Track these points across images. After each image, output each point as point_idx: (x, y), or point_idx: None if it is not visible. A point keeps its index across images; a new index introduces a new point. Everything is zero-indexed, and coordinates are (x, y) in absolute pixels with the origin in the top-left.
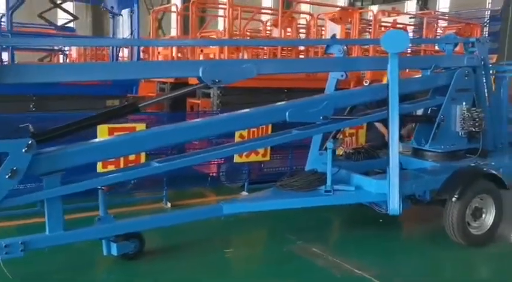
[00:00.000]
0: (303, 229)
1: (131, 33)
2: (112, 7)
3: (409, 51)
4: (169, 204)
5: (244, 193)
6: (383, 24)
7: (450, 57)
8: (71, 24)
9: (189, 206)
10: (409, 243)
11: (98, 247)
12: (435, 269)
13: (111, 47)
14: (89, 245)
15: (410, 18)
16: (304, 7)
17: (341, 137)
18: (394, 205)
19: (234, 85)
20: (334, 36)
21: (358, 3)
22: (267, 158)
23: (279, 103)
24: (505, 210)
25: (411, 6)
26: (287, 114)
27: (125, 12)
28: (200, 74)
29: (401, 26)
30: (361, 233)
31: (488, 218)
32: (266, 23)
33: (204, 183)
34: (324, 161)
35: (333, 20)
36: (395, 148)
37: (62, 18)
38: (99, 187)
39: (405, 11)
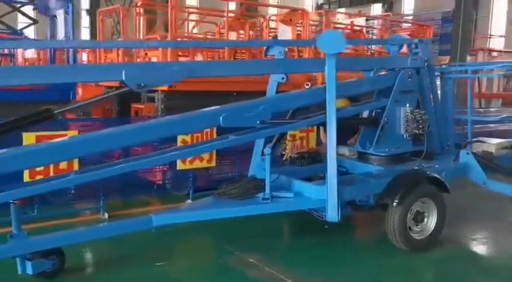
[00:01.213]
0: (242, 238)
1: (66, 35)
2: (46, 8)
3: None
4: (106, 215)
5: (189, 201)
6: (339, 26)
7: (393, 58)
8: (31, 28)
9: (129, 216)
10: (352, 251)
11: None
12: (376, 277)
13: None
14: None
15: (366, 20)
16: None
17: (288, 140)
18: (333, 212)
19: (181, 88)
20: (275, 37)
21: (326, 6)
22: (213, 164)
23: (213, 107)
24: (450, 213)
25: (377, 9)
26: (221, 119)
27: (61, 13)
28: (123, 78)
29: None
30: (304, 241)
31: (431, 222)
32: (220, 25)
33: (150, 191)
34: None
35: (283, 21)
36: (333, 153)
37: (22, 22)
38: (11, 201)
39: (371, 14)
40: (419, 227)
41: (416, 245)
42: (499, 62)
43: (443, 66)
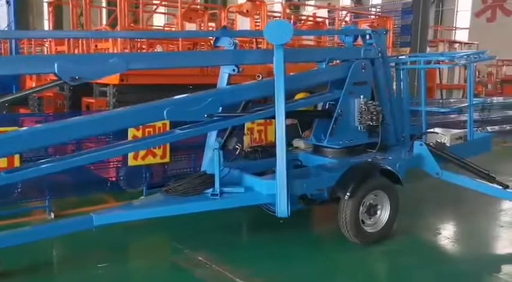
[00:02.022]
0: (193, 236)
1: (8, 25)
2: None
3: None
4: (52, 215)
5: (142, 198)
6: (302, 17)
7: (346, 49)
8: None
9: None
10: (305, 246)
11: None
12: (327, 273)
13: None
14: None
15: (328, 12)
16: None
17: (246, 134)
18: (283, 207)
19: (133, 82)
20: (224, 27)
21: None
22: (167, 159)
23: (157, 101)
24: (405, 204)
25: (346, 1)
26: (165, 113)
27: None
28: (56, 70)
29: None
30: (257, 237)
31: (384, 214)
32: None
33: (103, 188)
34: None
35: (240, 13)
36: (282, 146)
37: None
38: None
39: (340, 6)
40: (372, 220)
41: (369, 238)
42: (449, 52)
43: (397, 57)
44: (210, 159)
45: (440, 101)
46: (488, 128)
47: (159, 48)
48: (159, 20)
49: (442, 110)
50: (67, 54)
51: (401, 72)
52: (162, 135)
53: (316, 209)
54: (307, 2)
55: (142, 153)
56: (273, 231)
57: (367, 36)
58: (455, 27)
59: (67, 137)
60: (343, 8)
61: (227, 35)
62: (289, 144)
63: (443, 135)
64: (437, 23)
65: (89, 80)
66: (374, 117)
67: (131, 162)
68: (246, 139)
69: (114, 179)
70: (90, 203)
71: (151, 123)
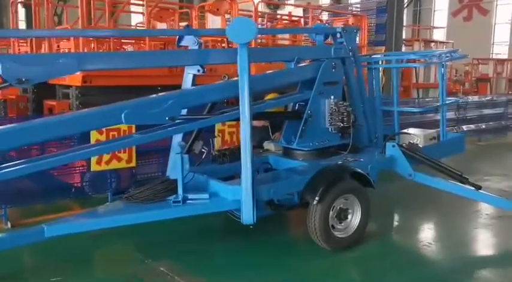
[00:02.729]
0: (158, 244)
1: None
2: None
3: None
4: (9, 225)
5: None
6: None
7: (315, 48)
8: None
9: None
10: (274, 253)
11: None
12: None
13: None
14: None
15: (304, 11)
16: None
17: (217, 136)
18: (248, 213)
19: (98, 83)
20: (187, 26)
21: None
22: (133, 164)
23: (115, 103)
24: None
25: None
26: (122, 116)
27: None
28: (0, 72)
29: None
30: (224, 245)
31: (355, 219)
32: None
33: (68, 195)
34: (185, 166)
35: (210, 11)
36: (247, 149)
37: None
38: None
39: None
40: (343, 224)
41: (340, 244)
42: (421, 51)
43: (370, 56)
44: (174, 164)
45: (416, 100)
46: (464, 127)
47: (130, 49)
48: (138, 20)
49: (414, 110)
50: (12, 55)
51: (373, 71)
52: (119, 140)
53: (289, 213)
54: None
55: (106, 157)
56: (242, 237)
57: (338, 35)
58: (433, 27)
59: (16, 143)
60: (318, 7)
61: (191, 34)
62: (259, 146)
63: (416, 136)
64: (415, 22)
65: (37, 81)
66: (345, 118)
67: (94, 167)
68: (217, 141)
69: (79, 184)
70: (56, 211)
71: (116, 127)
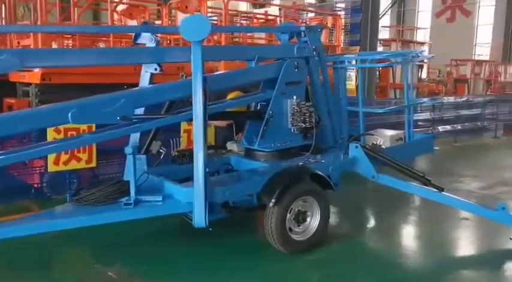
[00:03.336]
0: (108, 248)
1: None
2: None
3: None
4: None
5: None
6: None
7: (277, 47)
8: None
9: None
10: (231, 257)
11: None
12: None
13: None
14: None
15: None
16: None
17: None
18: (199, 216)
19: (58, 81)
20: (145, 23)
21: None
22: (93, 164)
23: (64, 102)
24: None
25: None
26: (69, 116)
27: None
28: None
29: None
30: (180, 248)
31: (314, 222)
32: (121, 12)
33: (28, 195)
34: (142, 167)
35: (180, 9)
36: (201, 151)
37: None
38: None
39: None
40: (301, 227)
41: (298, 247)
42: (388, 51)
43: (334, 56)
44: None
45: (394, 100)
46: (440, 128)
47: (102, 46)
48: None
49: (379, 111)
50: None
51: (339, 71)
52: (67, 140)
53: (250, 214)
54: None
55: (64, 158)
56: (197, 240)
57: (302, 34)
58: (416, 27)
59: None
60: (291, 6)
61: (148, 31)
62: (224, 147)
63: (379, 137)
64: (399, 23)
65: None
66: (307, 119)
67: (51, 168)
68: (183, 141)
69: (38, 185)
70: (16, 211)
71: (75, 126)
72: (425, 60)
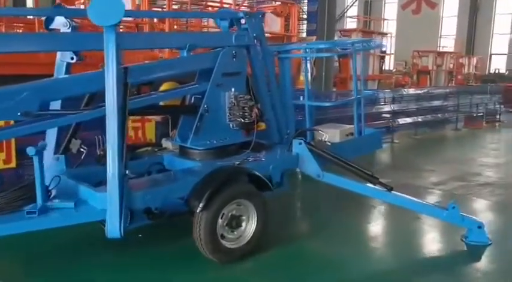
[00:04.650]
0: (28, 259)
1: None
2: None
3: None
4: None
5: None
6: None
7: (213, 34)
8: None
9: None
10: (157, 266)
11: None
12: None
13: None
14: None
15: None
16: None
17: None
18: (113, 225)
19: None
20: (58, 5)
21: None
22: (13, 164)
23: None
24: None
25: None
26: None
27: None
28: None
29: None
30: (99, 260)
31: (249, 227)
32: None
33: None
34: (61, 168)
35: None
36: (114, 150)
37: None
38: None
39: None
40: (235, 233)
41: (231, 256)
42: (333, 40)
43: (279, 45)
44: (50, 167)
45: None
46: (400, 120)
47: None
48: None
49: (326, 104)
50: None
51: (284, 61)
52: None
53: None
54: None
55: None
56: (121, 249)
57: (243, 21)
58: (384, 19)
59: None
60: None
61: (61, 14)
62: (158, 143)
63: (324, 133)
64: (367, 14)
65: None
66: (246, 113)
67: None
68: None
69: None
70: None
71: None
72: (373, 51)
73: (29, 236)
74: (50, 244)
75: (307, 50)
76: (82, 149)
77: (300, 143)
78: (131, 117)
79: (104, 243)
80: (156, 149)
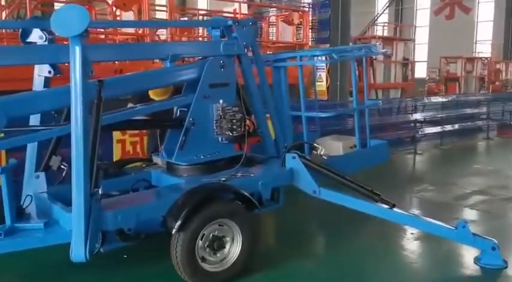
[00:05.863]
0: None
1: None
2: None
3: None
4: None
5: None
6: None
7: (200, 44)
8: None
9: None
10: None
11: None
12: None
13: None
14: None
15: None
16: None
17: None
18: (78, 248)
19: None
20: (34, 17)
21: None
22: None
23: None
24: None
25: None
26: None
27: None
28: None
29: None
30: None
31: (234, 249)
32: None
33: None
34: (42, 186)
35: (116, 6)
36: (80, 168)
37: None
38: None
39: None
40: (218, 255)
41: (213, 279)
42: (329, 48)
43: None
44: (30, 185)
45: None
46: (427, 130)
47: None
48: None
49: (322, 115)
50: None
51: (280, 70)
52: None
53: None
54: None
55: None
56: (106, 269)
57: (232, 29)
58: (415, 26)
59: None
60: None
61: (37, 27)
62: (149, 159)
63: (319, 146)
64: (398, 21)
65: None
66: (234, 126)
67: None
68: (116, 153)
69: None
70: None
71: None
72: (375, 57)
73: (11, 257)
74: (32, 265)
75: (305, 58)
76: (63, 166)
77: (294, 157)
78: (128, 131)
79: (89, 264)
80: (144, 165)
